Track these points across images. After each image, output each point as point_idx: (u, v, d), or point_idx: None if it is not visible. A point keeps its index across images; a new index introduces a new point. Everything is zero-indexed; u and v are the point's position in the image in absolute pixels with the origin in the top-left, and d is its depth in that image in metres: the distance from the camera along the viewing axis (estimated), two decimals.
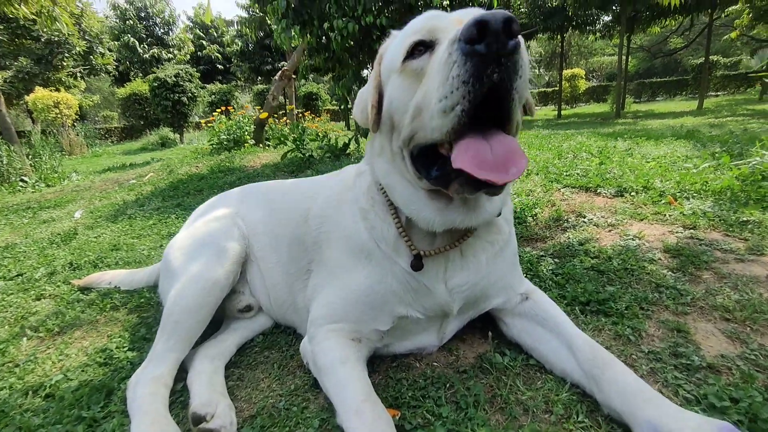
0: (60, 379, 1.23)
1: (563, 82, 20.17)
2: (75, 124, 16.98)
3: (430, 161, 0.84)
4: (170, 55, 20.41)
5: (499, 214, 1.00)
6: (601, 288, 1.34)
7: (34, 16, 8.14)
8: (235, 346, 1.28)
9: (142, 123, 19.76)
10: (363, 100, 1.00)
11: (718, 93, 24.01)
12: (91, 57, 22.56)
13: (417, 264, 0.99)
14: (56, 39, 19.84)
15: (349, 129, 3.79)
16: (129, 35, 18.53)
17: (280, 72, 7.30)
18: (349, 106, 4.59)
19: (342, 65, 4.29)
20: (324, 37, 4.06)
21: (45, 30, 14.26)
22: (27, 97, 15.59)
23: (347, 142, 4.65)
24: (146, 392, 1.01)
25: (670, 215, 1.84)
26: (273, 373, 1.18)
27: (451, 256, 1.02)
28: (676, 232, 1.69)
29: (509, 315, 1.14)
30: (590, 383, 0.92)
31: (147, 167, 6.67)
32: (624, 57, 15.27)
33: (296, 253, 1.29)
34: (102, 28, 21.88)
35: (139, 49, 18.62)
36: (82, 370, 1.28)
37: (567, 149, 3.53)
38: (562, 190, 2.32)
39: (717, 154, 2.83)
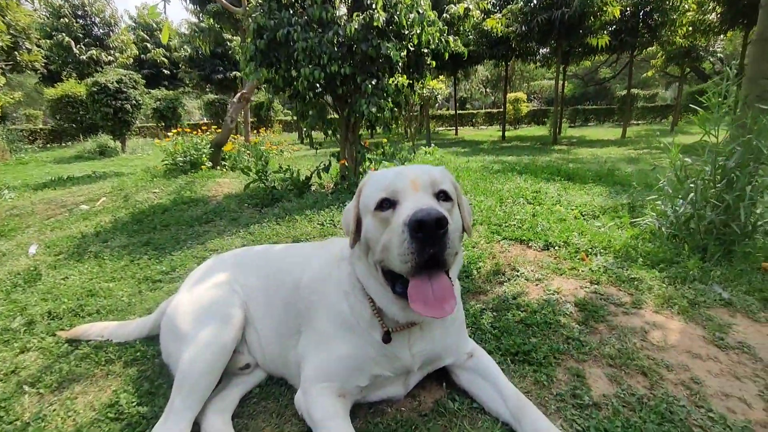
0: None
1: (507, 105, 21.76)
2: None
3: (396, 276, 1.18)
4: (111, 58, 19.28)
5: None
6: (527, 340, 1.75)
7: None
8: (238, 399, 1.52)
9: (75, 127, 18.40)
10: (348, 217, 1.34)
11: (639, 122, 27.08)
12: (16, 53, 20.69)
13: (386, 338, 1.32)
14: None
15: (302, 143, 4.07)
16: (63, 34, 17.26)
17: (238, 95, 7.39)
18: (316, 142, 4.87)
19: (306, 104, 4.56)
20: (290, 78, 4.32)
21: None
22: None
23: (309, 176, 4.90)
24: None
25: (582, 271, 2.34)
26: (272, 421, 1.44)
27: (413, 331, 1.36)
28: (585, 287, 2.17)
29: (458, 369, 1.51)
30: (515, 423, 1.30)
31: (95, 186, 6.42)
32: (560, 86, 16.83)
33: (288, 317, 1.57)
34: (30, 23, 20.17)
35: (75, 49, 17.39)
36: (97, 426, 1.45)
37: (507, 194, 4.06)
38: (501, 242, 2.78)
39: (623, 208, 3.48)
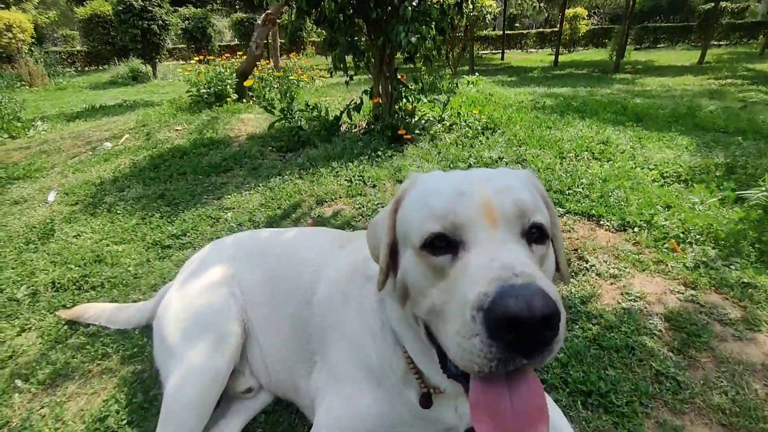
0: None
1: (563, 23, 19.07)
2: (32, 49, 15.44)
3: None
4: None
5: None
6: (602, 372, 1.35)
7: None
8: (239, 431, 1.27)
9: (109, 49, 18.03)
10: (375, 237, 0.89)
11: (721, 43, 23.12)
12: None
13: (425, 403, 0.94)
14: None
15: (332, 75, 3.61)
16: None
17: (263, 16, 6.62)
18: (349, 73, 4.25)
19: (335, 30, 3.89)
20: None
21: None
22: None
23: (338, 115, 4.37)
24: None
25: (672, 266, 1.84)
26: None
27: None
28: (677, 292, 1.69)
29: None
30: None
31: (121, 120, 6.20)
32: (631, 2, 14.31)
33: (299, 336, 1.24)
34: None
35: None
36: None
37: (568, 146, 3.41)
38: (565, 216, 2.27)
39: (718, 169, 2.78)
